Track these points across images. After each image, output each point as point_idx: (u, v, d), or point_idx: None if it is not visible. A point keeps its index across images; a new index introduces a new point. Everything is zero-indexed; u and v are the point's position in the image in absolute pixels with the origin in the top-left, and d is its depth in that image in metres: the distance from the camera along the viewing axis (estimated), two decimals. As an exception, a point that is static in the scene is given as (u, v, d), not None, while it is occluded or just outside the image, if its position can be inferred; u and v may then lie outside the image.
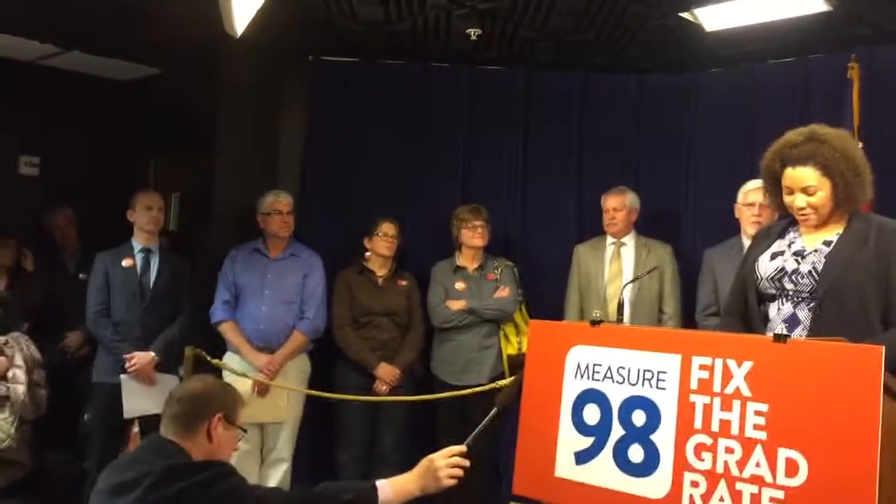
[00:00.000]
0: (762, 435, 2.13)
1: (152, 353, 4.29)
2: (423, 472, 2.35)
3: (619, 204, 4.54)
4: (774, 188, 2.77)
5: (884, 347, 2.02)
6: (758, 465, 2.12)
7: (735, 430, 2.17)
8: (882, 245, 2.58)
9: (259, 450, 4.45)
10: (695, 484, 2.22)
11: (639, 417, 2.36)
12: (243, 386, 4.05)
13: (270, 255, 4.57)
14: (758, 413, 2.15)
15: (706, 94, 4.96)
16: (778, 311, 2.70)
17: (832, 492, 2.00)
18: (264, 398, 4.36)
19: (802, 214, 2.69)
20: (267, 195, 4.60)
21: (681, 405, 2.29)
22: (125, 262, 4.40)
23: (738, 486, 2.14)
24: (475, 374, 4.51)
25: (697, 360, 2.29)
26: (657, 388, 2.34)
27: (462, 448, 2.39)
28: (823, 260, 2.62)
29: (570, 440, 2.49)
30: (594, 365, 2.50)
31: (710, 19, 4.15)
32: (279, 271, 4.53)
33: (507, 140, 5.19)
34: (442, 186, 5.14)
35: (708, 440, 2.22)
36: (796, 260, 2.68)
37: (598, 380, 2.47)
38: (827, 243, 2.67)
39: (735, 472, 2.15)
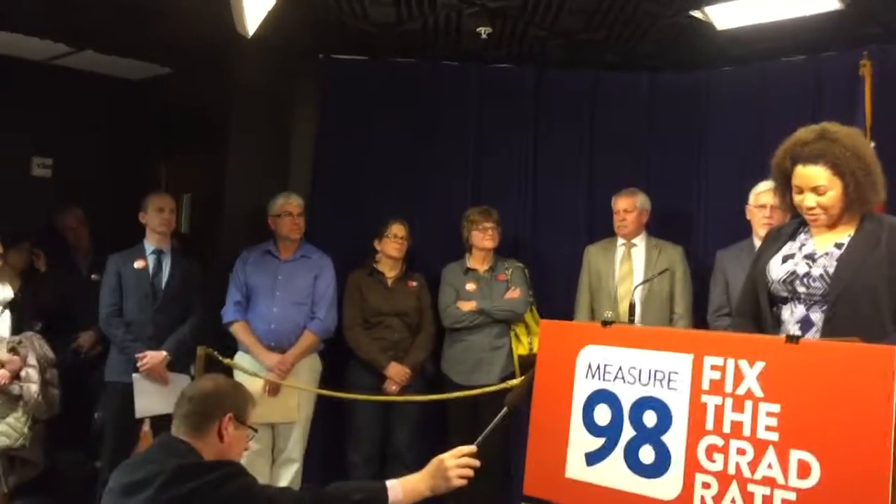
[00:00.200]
0: (774, 436, 2.11)
1: (164, 353, 4.31)
2: (433, 472, 2.35)
3: (629, 205, 4.53)
4: (784, 187, 2.74)
5: (897, 348, 2.00)
6: (770, 466, 2.10)
7: (747, 431, 2.16)
8: (894, 246, 2.56)
9: (270, 450, 4.46)
10: (706, 485, 2.21)
11: (650, 418, 2.35)
12: (254, 385, 4.07)
13: (281, 257, 4.58)
14: (770, 414, 2.13)
15: (717, 92, 4.94)
16: (791, 314, 2.68)
17: (845, 493, 1.98)
18: (275, 398, 4.37)
19: (812, 214, 2.65)
20: (277, 197, 4.62)
21: (692, 406, 2.27)
22: (137, 264, 4.42)
23: (750, 487, 2.13)
24: (485, 375, 4.50)
25: (709, 361, 2.27)
26: (668, 388, 2.33)
27: (472, 448, 2.38)
28: (835, 263, 2.59)
29: (580, 441, 2.48)
30: (605, 365, 2.49)
31: (721, 17, 4.13)
32: (290, 272, 4.54)
33: (517, 139, 5.18)
34: (452, 186, 5.14)
35: (719, 441, 2.21)
36: (807, 263, 2.65)
37: (609, 380, 2.46)
38: (838, 245, 2.63)
39: (747, 473, 2.14)
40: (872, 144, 2.97)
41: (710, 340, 2.41)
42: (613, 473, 2.39)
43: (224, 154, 5.05)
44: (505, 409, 2.63)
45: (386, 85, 5.18)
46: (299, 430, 4.47)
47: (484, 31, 4.54)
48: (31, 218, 5.38)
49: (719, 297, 4.12)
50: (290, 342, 4.42)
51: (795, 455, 2.07)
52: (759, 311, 2.75)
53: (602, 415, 2.45)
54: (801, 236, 2.75)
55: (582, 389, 2.51)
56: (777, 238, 2.82)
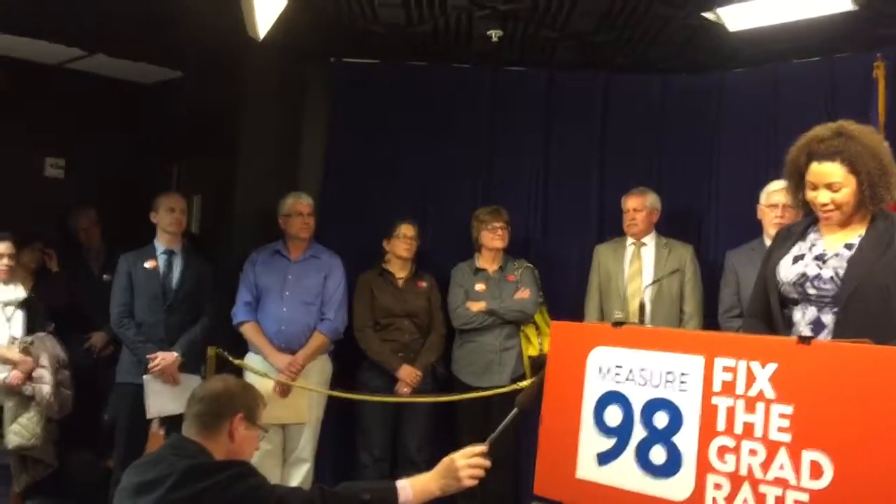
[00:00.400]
0: (786, 437, 2.10)
1: (176, 354, 4.32)
2: (443, 472, 2.34)
3: (639, 205, 4.52)
4: (798, 183, 2.72)
5: (910, 349, 1.99)
6: (782, 467, 2.09)
7: (759, 432, 2.15)
8: None
9: (281, 450, 4.47)
10: (718, 486, 2.20)
11: (661, 419, 2.34)
12: (265, 386, 4.08)
13: (291, 257, 4.59)
14: (782, 415, 2.12)
15: (729, 94, 4.93)
16: (802, 315, 2.66)
17: (857, 494, 1.97)
18: (285, 399, 4.38)
19: (825, 211, 2.64)
20: (287, 197, 4.62)
21: (704, 407, 2.26)
22: (148, 264, 4.43)
23: (762, 488, 2.12)
24: (496, 376, 4.50)
25: (721, 362, 2.26)
26: (679, 390, 2.32)
27: (483, 448, 2.38)
28: (845, 264, 2.58)
29: (591, 441, 2.47)
30: (616, 366, 2.48)
31: (733, 19, 4.11)
32: (300, 273, 4.54)
33: (528, 141, 5.17)
34: (463, 188, 5.14)
35: (731, 442, 2.20)
36: (818, 265, 2.63)
37: (620, 381, 2.46)
38: (848, 246, 2.62)
39: (759, 474, 2.13)
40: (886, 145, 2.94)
41: (721, 342, 2.38)
42: (624, 474, 2.38)
43: (235, 155, 5.07)
44: (515, 409, 2.62)
45: (396, 87, 5.19)
46: (310, 430, 4.48)
47: (495, 33, 4.54)
48: (44, 218, 5.43)
49: (730, 297, 4.10)
50: (300, 343, 4.43)
51: (808, 456, 2.06)
52: (770, 312, 2.74)
53: (613, 416, 2.45)
54: (811, 236, 2.73)
55: (593, 390, 2.51)
56: (787, 237, 2.80)
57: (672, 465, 2.29)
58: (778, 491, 2.09)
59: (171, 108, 5.83)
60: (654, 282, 4.30)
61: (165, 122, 5.84)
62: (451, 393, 4.47)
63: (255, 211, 4.96)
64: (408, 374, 4.51)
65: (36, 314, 4.54)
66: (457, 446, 2.43)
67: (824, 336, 2.57)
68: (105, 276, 5.05)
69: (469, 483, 2.34)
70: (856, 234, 2.63)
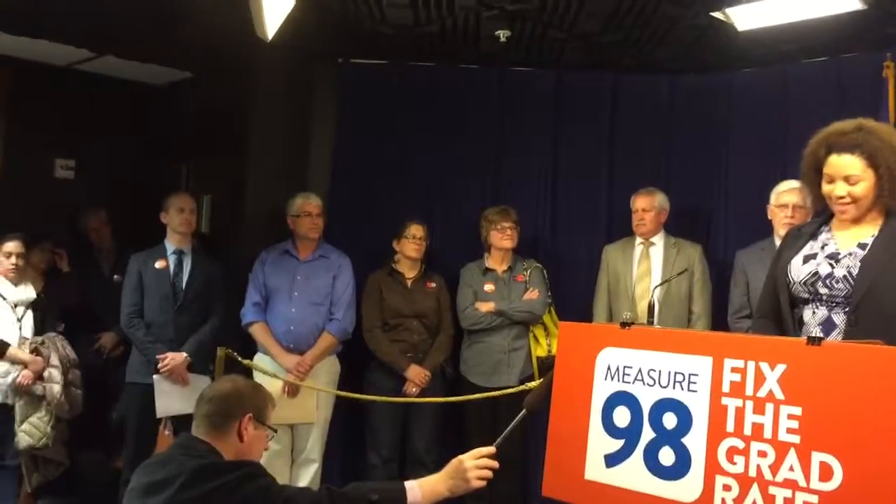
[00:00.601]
0: (796, 438, 2.10)
1: (185, 354, 4.34)
2: (452, 473, 2.35)
3: (648, 204, 4.51)
4: (814, 177, 2.71)
5: (921, 350, 1.98)
6: (791, 468, 2.09)
7: (768, 433, 2.14)
8: None
9: (290, 450, 4.48)
10: (727, 487, 2.19)
11: (670, 420, 2.34)
12: (274, 386, 4.09)
13: (300, 257, 4.60)
14: (791, 416, 2.11)
15: (738, 94, 4.91)
16: (813, 315, 2.65)
17: (867, 496, 1.96)
18: (294, 399, 4.38)
19: (841, 204, 2.62)
20: (296, 197, 4.63)
21: (712, 408, 2.26)
22: (158, 264, 4.45)
23: (772, 489, 2.11)
24: (504, 376, 4.50)
25: (730, 363, 2.26)
26: (688, 390, 2.32)
27: (491, 449, 2.38)
28: (858, 264, 2.56)
29: (600, 442, 2.47)
30: (624, 367, 2.47)
31: (742, 19, 4.10)
32: (308, 273, 4.55)
33: (536, 141, 5.17)
34: (471, 188, 5.15)
35: (740, 443, 2.19)
36: (830, 264, 2.62)
37: (629, 382, 2.45)
38: (861, 246, 2.60)
39: (768, 475, 2.12)
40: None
41: (730, 343, 2.37)
42: (633, 475, 2.37)
43: (244, 156, 5.08)
44: (524, 410, 2.62)
45: (405, 88, 5.20)
46: (318, 430, 4.49)
47: (503, 34, 4.54)
48: (55, 219, 5.45)
49: (740, 298, 4.09)
50: (309, 343, 4.43)
51: (817, 457, 2.05)
52: (780, 312, 2.73)
53: (621, 417, 2.44)
54: (823, 235, 2.72)
55: (601, 391, 2.50)
56: (798, 237, 2.78)
57: (681, 467, 2.29)
58: (787, 493, 2.08)
59: (180, 108, 5.85)
60: (662, 283, 4.29)
61: (175, 122, 5.86)
62: (459, 393, 4.47)
63: (264, 211, 4.97)
64: (416, 374, 4.51)
65: (46, 314, 4.56)
66: (465, 447, 2.43)
67: (835, 336, 2.55)
68: (115, 277, 5.07)
69: (477, 484, 2.34)
70: (869, 234, 2.62)
